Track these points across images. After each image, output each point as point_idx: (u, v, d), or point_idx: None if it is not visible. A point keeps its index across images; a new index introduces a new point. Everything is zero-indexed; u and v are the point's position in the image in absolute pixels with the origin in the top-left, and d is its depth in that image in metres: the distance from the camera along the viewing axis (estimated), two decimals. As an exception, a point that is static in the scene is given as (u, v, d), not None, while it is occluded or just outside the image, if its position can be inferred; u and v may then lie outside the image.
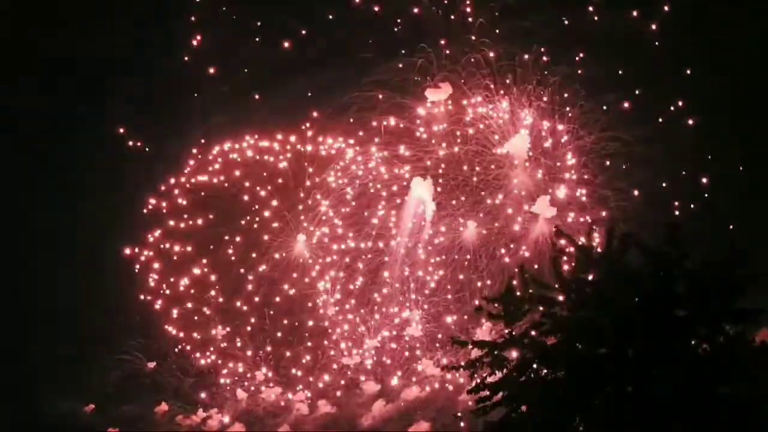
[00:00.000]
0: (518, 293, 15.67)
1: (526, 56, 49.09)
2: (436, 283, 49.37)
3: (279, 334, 49.44)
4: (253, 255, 50.00)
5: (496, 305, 15.89)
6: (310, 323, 49.57)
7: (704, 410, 14.34)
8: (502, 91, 49.66)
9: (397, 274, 49.56)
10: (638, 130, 48.20)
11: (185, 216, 50.84)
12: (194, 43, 49.81)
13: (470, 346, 15.81)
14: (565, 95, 49.39)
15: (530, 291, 15.56)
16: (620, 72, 48.62)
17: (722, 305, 14.75)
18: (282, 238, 49.70)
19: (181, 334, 49.65)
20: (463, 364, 15.69)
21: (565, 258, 16.23)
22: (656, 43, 48.72)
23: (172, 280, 50.23)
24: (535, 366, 15.34)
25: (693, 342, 14.87)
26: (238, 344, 49.45)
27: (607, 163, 49.30)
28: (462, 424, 41.69)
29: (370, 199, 50.21)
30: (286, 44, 50.12)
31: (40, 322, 47.81)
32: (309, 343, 49.34)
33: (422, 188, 49.40)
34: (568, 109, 49.53)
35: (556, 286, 15.45)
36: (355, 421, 46.74)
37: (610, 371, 14.85)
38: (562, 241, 15.89)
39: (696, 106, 47.94)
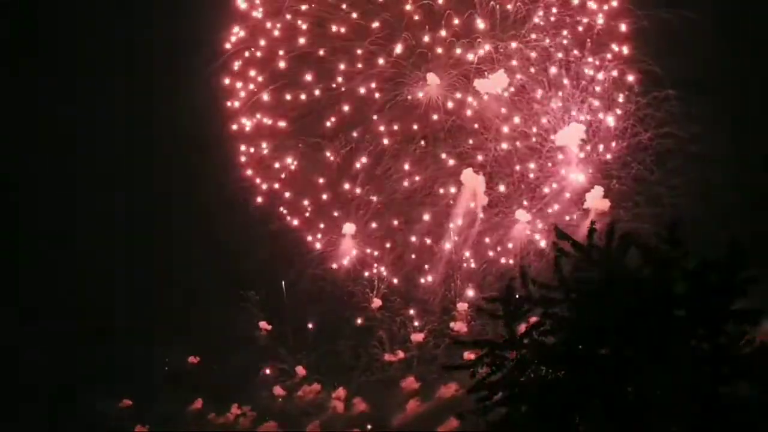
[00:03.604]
0: (518, 293, 15.73)
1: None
2: (482, 277, 49.30)
3: (321, 331, 49.90)
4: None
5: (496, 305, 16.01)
6: (354, 319, 49.97)
7: (704, 411, 14.25)
8: (554, 87, 49.38)
9: (444, 269, 49.50)
10: (694, 127, 47.42)
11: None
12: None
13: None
14: (619, 91, 48.96)
15: (530, 291, 15.62)
16: (676, 68, 47.95)
17: (722, 305, 14.62)
18: (329, 236, 50.10)
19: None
20: (462, 363, 15.82)
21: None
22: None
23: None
24: (535, 366, 15.39)
25: (693, 342, 14.75)
26: (280, 341, 50.05)
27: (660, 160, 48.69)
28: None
29: (421, 194, 50.34)
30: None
31: (87, 319, 48.88)
32: (351, 341, 49.70)
33: (473, 182, 49.13)
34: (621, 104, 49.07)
35: (557, 286, 15.47)
36: (388, 420, 46.88)
37: (610, 371, 14.83)
38: (563, 242, 15.87)
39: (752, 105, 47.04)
